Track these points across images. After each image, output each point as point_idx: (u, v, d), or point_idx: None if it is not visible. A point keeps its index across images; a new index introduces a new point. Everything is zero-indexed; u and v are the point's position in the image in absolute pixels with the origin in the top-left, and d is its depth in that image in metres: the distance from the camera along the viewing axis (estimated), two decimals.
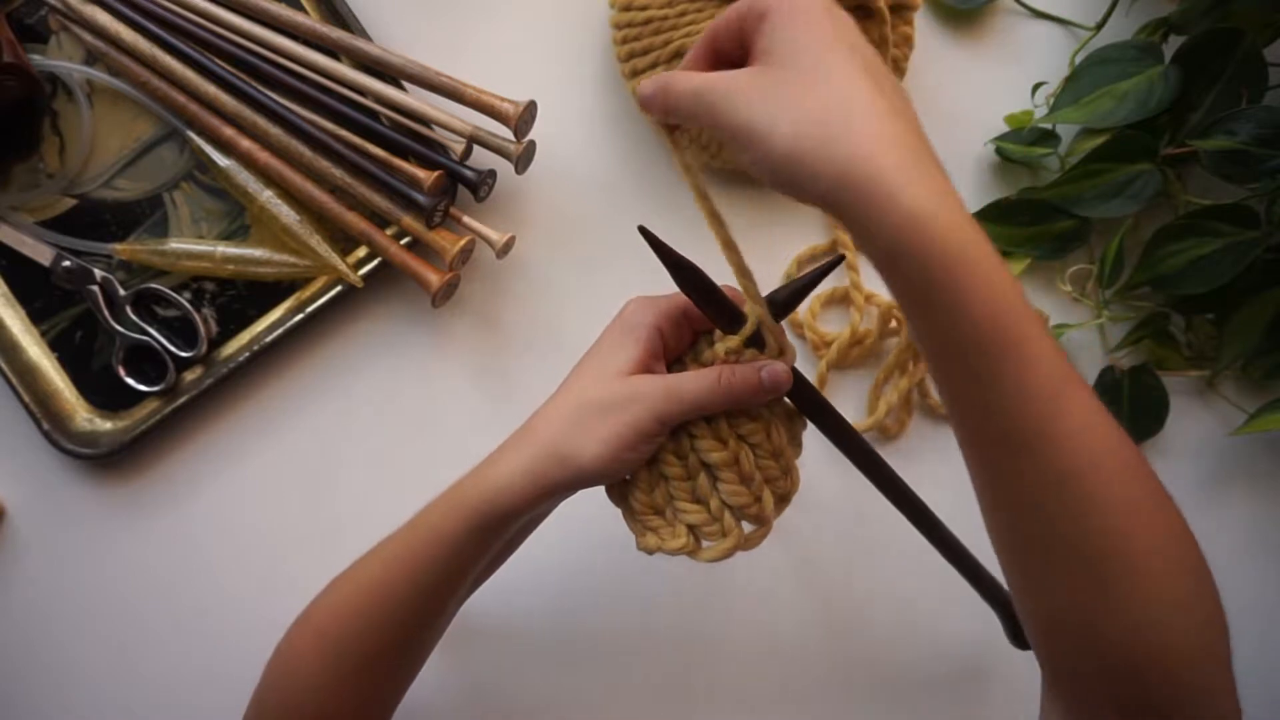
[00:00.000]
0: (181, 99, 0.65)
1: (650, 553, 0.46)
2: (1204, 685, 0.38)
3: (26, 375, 0.64)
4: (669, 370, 0.46)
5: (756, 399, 0.44)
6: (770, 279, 0.68)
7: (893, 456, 0.53)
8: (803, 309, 0.67)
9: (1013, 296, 0.34)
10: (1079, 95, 0.66)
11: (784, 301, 0.47)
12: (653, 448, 0.44)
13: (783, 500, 0.47)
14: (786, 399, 0.47)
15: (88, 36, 0.66)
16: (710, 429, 0.45)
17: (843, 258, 0.46)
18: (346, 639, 0.47)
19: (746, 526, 0.47)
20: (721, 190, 0.69)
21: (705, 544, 0.46)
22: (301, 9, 0.67)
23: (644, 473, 0.46)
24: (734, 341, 0.44)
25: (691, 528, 0.46)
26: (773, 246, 0.68)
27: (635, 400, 0.42)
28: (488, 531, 0.45)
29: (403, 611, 0.46)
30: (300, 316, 0.65)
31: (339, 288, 0.65)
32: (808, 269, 0.46)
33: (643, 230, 0.43)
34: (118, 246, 0.65)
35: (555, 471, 0.43)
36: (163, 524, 0.66)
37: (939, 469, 0.58)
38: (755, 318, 0.44)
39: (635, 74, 0.63)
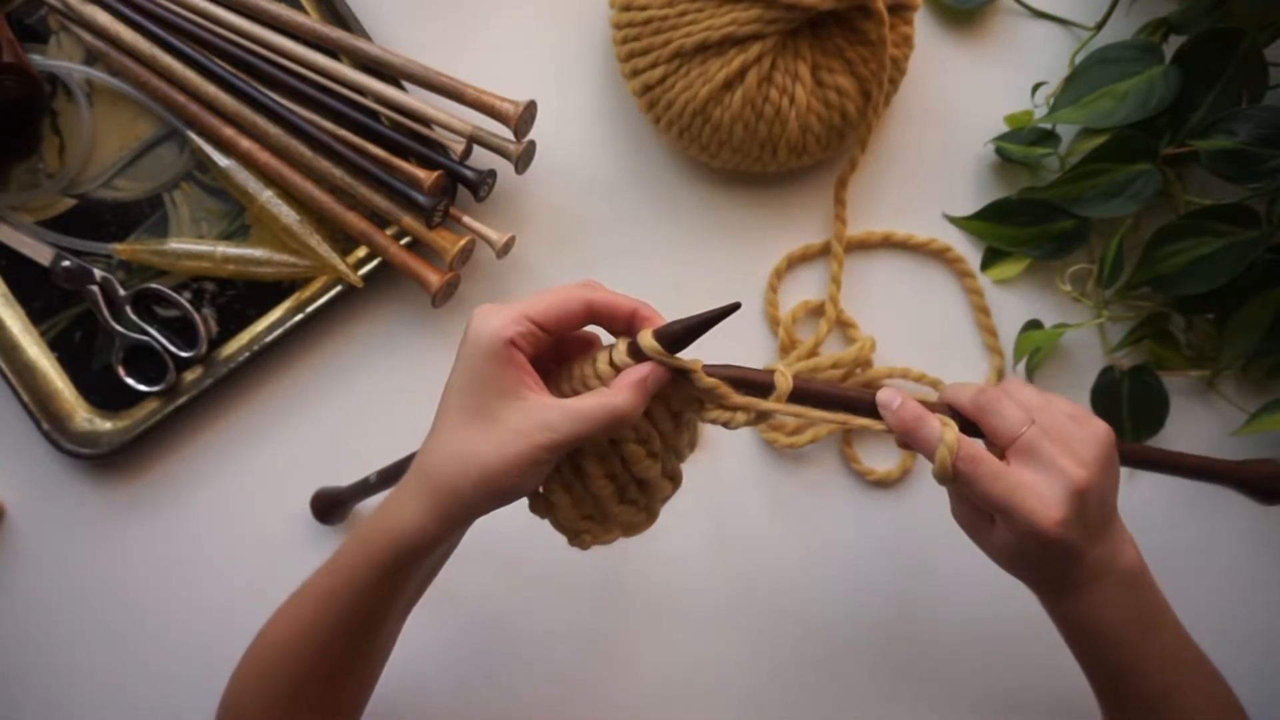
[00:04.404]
0: (181, 99, 0.65)
1: (585, 549, 0.48)
2: None
3: (26, 375, 0.64)
4: (544, 378, 0.45)
5: (640, 396, 0.43)
6: (762, 274, 0.69)
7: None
8: (783, 310, 0.68)
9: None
10: (1079, 95, 0.66)
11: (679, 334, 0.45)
12: (550, 469, 0.44)
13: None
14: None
15: (88, 36, 0.66)
16: (644, 447, 0.45)
17: (736, 306, 0.43)
18: (281, 676, 0.48)
19: None
20: (720, 189, 0.69)
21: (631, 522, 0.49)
22: (301, 9, 0.67)
23: (567, 495, 0.46)
24: (623, 348, 0.44)
25: (623, 523, 0.48)
26: (767, 243, 0.69)
27: (525, 433, 0.42)
28: (399, 572, 0.45)
29: (329, 649, 0.47)
30: (300, 316, 0.65)
31: (339, 288, 0.65)
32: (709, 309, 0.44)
33: (654, 351, 0.43)
34: (118, 246, 0.65)
35: (456, 509, 0.43)
36: (163, 524, 0.66)
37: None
38: (784, 383, 0.45)
39: (635, 74, 0.63)
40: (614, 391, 0.43)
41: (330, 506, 0.63)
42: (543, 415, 0.42)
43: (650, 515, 0.49)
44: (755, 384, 0.45)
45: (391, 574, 0.45)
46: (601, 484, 0.46)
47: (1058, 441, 0.45)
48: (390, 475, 0.57)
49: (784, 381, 0.45)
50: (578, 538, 0.48)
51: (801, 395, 0.46)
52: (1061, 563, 0.45)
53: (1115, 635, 0.46)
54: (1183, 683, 0.47)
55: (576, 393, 0.45)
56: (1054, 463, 0.44)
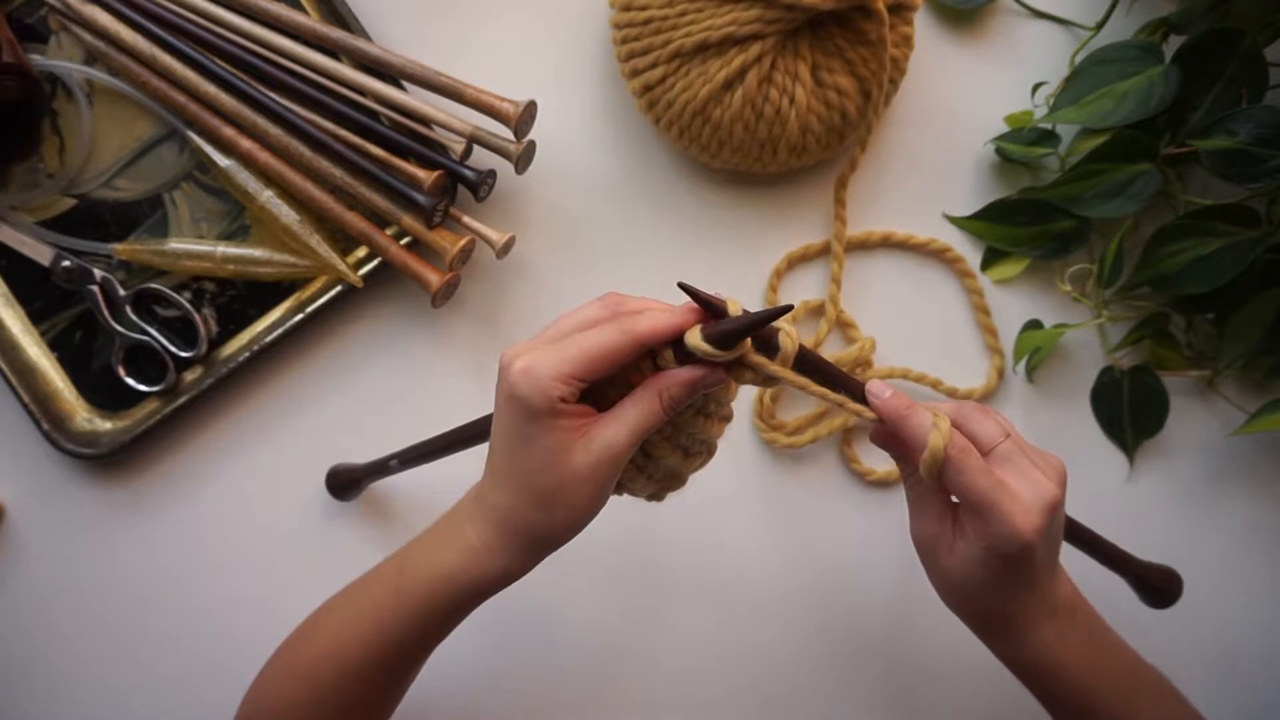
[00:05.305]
0: (181, 99, 0.65)
1: (663, 500, 0.50)
2: None
3: (26, 375, 0.64)
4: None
5: (688, 394, 0.44)
6: (762, 274, 0.69)
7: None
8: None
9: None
10: (1079, 95, 0.66)
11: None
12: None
13: None
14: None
15: (88, 36, 0.66)
16: (701, 415, 0.47)
17: (789, 308, 0.44)
18: (330, 688, 0.49)
19: None
20: (720, 189, 0.69)
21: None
22: (301, 9, 0.67)
23: (643, 475, 0.48)
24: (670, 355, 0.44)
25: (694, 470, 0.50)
26: (767, 243, 0.69)
27: (596, 463, 0.43)
28: (473, 604, 0.48)
29: (385, 672, 0.48)
30: (300, 316, 0.65)
31: (339, 288, 0.65)
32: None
33: (682, 286, 0.44)
34: (117, 246, 0.65)
35: (546, 549, 0.46)
36: (163, 524, 0.66)
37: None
38: (789, 343, 0.45)
39: (635, 74, 0.63)
40: (658, 384, 0.43)
41: (347, 484, 0.64)
42: (602, 436, 0.43)
43: (713, 451, 0.50)
44: (762, 336, 0.45)
45: (466, 608, 0.47)
46: (674, 459, 0.47)
47: (1032, 457, 0.46)
48: (410, 458, 0.58)
49: (789, 342, 0.44)
50: (656, 497, 0.50)
51: (805, 363, 0.46)
52: (1016, 587, 0.45)
53: (1067, 671, 0.47)
54: (1139, 702, 0.49)
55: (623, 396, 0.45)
56: (1030, 473, 0.45)
